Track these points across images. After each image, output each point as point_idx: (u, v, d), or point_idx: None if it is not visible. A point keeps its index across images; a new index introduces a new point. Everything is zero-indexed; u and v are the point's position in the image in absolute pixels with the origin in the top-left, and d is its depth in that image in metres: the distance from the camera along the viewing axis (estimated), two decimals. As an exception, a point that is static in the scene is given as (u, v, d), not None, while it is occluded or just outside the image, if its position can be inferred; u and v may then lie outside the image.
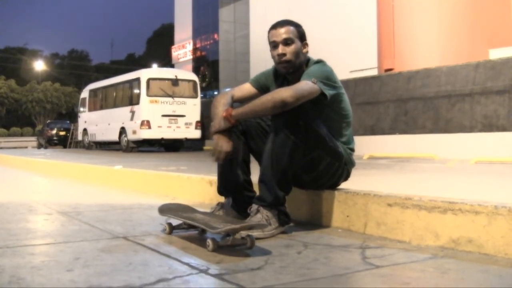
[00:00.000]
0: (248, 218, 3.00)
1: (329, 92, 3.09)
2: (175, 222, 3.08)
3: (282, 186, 3.03)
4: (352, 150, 3.47)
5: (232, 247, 2.61)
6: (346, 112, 3.34)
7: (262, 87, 3.46)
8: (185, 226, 3.07)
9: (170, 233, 3.05)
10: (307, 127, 3.00)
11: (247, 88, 3.49)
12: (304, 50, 3.31)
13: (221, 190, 3.42)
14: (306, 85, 2.98)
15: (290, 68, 3.26)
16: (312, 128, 3.03)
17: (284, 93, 2.91)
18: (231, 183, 3.31)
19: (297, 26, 3.31)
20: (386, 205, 2.94)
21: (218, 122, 3.10)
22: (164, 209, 3.24)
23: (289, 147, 2.96)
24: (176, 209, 3.26)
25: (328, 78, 3.13)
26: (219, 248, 2.57)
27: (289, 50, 3.22)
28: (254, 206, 3.03)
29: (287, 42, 3.22)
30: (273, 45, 3.27)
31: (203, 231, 2.97)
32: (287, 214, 3.10)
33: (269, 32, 3.30)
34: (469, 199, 2.62)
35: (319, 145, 3.11)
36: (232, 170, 3.28)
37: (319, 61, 3.29)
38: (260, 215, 2.96)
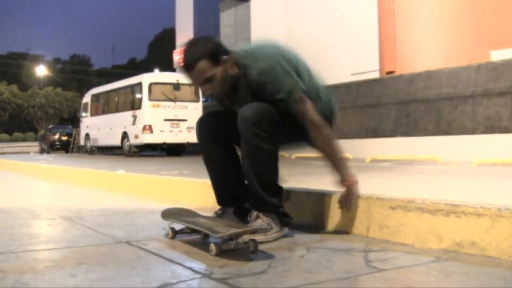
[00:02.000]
0: (250, 223, 3.01)
1: (297, 85, 2.94)
2: (178, 226, 3.07)
3: (273, 193, 3.04)
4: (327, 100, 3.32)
5: (235, 251, 2.61)
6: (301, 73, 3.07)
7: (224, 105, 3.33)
8: (188, 230, 3.06)
9: (173, 237, 3.04)
10: (273, 130, 2.93)
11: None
12: (229, 68, 2.92)
13: (219, 201, 3.39)
14: (301, 116, 2.93)
15: (226, 95, 3.06)
16: (278, 128, 2.95)
17: (328, 134, 2.98)
18: (228, 196, 3.30)
19: (204, 54, 2.86)
20: (389, 208, 2.93)
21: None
22: (167, 214, 3.22)
23: (265, 156, 2.95)
24: (179, 213, 3.25)
25: (286, 77, 2.91)
26: (222, 253, 2.57)
27: (213, 86, 2.95)
28: (254, 213, 3.03)
29: (206, 82, 2.92)
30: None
31: (206, 236, 2.97)
32: (286, 213, 3.10)
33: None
34: (472, 202, 2.62)
35: (293, 136, 3.10)
36: (226, 183, 3.28)
37: (262, 71, 2.89)
38: (260, 220, 2.97)
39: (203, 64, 2.85)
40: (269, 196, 3.00)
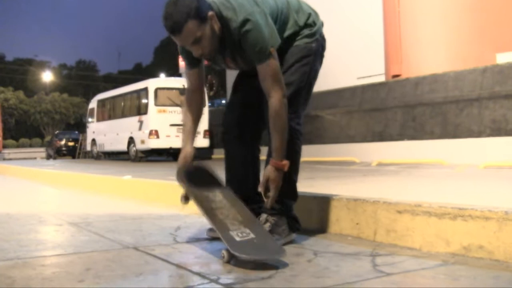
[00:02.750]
0: None
1: (276, 39, 2.83)
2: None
3: (290, 195, 3.04)
4: (311, 23, 3.12)
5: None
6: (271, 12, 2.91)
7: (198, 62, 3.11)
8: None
9: (228, 261, 2.56)
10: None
11: (193, 76, 3.16)
12: (215, 23, 2.77)
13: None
14: (271, 71, 2.78)
15: (214, 52, 2.90)
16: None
17: (282, 100, 2.78)
18: (241, 197, 3.14)
19: (190, 14, 2.67)
20: (396, 212, 2.93)
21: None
22: (182, 175, 3.05)
23: (289, 157, 2.88)
24: (196, 175, 3.08)
25: (267, 25, 2.79)
26: (233, 259, 2.55)
27: (203, 46, 2.79)
28: (263, 216, 3.01)
29: (196, 42, 2.76)
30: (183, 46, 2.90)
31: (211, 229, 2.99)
32: (297, 218, 3.10)
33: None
34: (479, 205, 2.62)
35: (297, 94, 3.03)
36: (242, 183, 3.22)
37: (244, 22, 2.75)
38: (269, 224, 2.96)
39: (191, 25, 2.68)
40: (285, 198, 2.99)
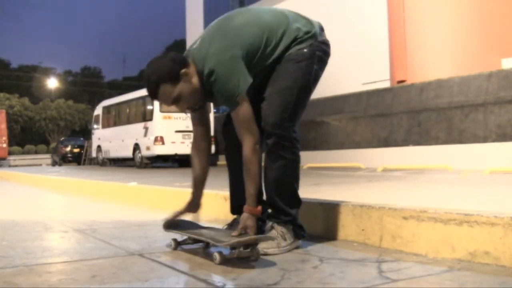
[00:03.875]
0: (264, 235, 2.98)
1: (245, 85, 2.79)
2: (181, 237, 3.10)
3: (293, 204, 3.05)
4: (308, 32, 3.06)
5: (239, 259, 2.62)
6: (253, 41, 2.91)
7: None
8: (190, 241, 3.08)
9: (175, 248, 3.06)
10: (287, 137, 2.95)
11: (196, 120, 3.21)
12: (193, 77, 2.85)
13: (232, 210, 3.38)
14: (240, 120, 2.82)
15: (199, 102, 3.03)
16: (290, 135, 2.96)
17: (254, 147, 2.80)
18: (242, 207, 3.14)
19: (160, 78, 2.79)
20: (402, 218, 2.93)
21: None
22: (168, 225, 3.21)
23: (289, 166, 2.97)
24: (181, 225, 3.25)
25: (234, 74, 2.77)
26: (226, 261, 2.59)
27: (184, 102, 2.89)
28: (269, 223, 3.03)
29: (176, 101, 2.86)
30: None
31: (207, 246, 3.01)
32: (302, 226, 3.10)
33: None
34: (484, 211, 2.61)
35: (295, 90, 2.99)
36: (242, 192, 3.15)
37: (210, 73, 2.79)
38: (274, 231, 2.96)
39: (163, 89, 2.81)
40: (289, 208, 3.01)
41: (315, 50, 3.05)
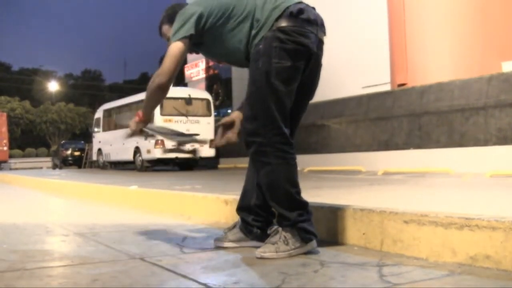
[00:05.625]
0: (267, 239, 2.98)
1: (185, 30, 2.99)
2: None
3: (293, 208, 2.96)
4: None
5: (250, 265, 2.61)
6: (224, 14, 3.05)
7: None
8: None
9: None
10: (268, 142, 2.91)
11: None
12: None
13: (237, 208, 3.35)
14: (168, 54, 3.03)
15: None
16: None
17: (155, 78, 3.08)
18: (244, 208, 3.27)
19: (164, 19, 3.32)
20: (402, 222, 2.93)
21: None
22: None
23: (276, 170, 2.93)
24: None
25: (181, 21, 3.02)
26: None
27: None
28: (274, 227, 3.02)
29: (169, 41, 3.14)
30: None
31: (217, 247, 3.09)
32: (307, 229, 2.97)
33: None
34: (485, 215, 2.61)
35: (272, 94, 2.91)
36: (250, 192, 3.24)
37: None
38: (278, 235, 2.94)
39: (164, 28, 3.30)
40: (288, 211, 2.95)
41: (270, 42, 2.90)
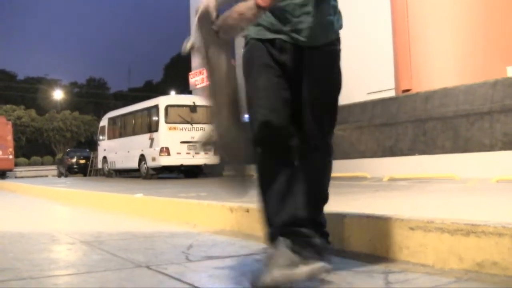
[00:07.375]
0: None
1: None
2: None
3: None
4: None
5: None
6: None
7: None
8: None
9: None
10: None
11: None
12: None
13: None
14: None
15: None
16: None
17: None
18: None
19: None
20: (408, 228, 2.92)
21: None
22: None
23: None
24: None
25: None
26: None
27: None
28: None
29: None
30: None
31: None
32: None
33: None
34: (492, 221, 2.60)
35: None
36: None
37: None
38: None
39: None
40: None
41: (247, 49, 2.81)
